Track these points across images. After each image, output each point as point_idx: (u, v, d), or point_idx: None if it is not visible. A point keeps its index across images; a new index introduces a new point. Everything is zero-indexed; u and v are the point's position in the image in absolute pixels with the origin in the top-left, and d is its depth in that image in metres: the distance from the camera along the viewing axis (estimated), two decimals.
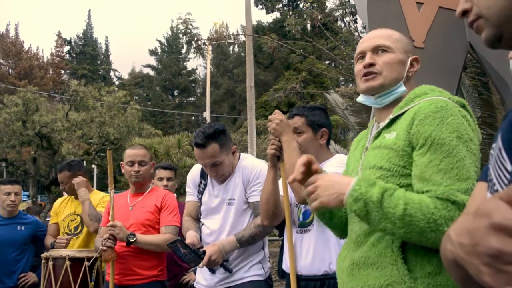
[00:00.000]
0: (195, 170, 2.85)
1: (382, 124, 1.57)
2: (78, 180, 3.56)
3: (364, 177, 1.44)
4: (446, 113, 1.40)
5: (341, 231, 1.72)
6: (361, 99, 1.68)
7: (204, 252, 2.42)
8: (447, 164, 1.35)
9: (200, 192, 2.78)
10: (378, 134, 1.57)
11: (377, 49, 1.61)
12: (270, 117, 2.21)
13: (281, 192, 2.31)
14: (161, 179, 3.95)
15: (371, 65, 1.59)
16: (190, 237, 2.54)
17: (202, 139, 2.50)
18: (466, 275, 0.63)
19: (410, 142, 1.43)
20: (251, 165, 2.66)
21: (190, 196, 2.84)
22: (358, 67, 1.64)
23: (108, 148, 3.33)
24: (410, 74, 1.62)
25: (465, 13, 0.89)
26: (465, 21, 3.18)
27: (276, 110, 2.23)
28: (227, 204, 2.65)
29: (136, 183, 3.25)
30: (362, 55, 1.65)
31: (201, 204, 2.78)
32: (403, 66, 1.60)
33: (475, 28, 0.88)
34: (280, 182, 2.33)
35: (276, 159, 2.24)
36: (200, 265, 2.44)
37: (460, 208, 1.30)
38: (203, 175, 2.79)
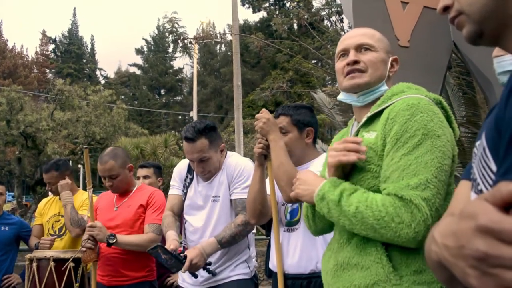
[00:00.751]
0: (183, 165, 2.83)
1: (361, 123, 1.57)
2: (62, 182, 3.50)
3: (332, 179, 1.46)
4: (415, 110, 1.40)
5: (320, 231, 1.74)
6: (342, 97, 1.67)
7: (185, 256, 2.39)
8: (406, 161, 1.35)
9: (186, 187, 2.76)
10: (357, 133, 1.57)
11: (361, 47, 1.60)
12: (257, 116, 2.20)
13: (268, 191, 2.31)
14: (138, 178, 3.98)
15: (356, 62, 1.58)
16: (171, 241, 2.51)
17: (192, 134, 2.52)
18: (451, 276, 0.62)
19: (384, 141, 1.44)
20: (235, 163, 2.66)
21: (175, 190, 2.80)
22: (341, 64, 1.63)
23: (85, 147, 3.25)
24: (390, 74, 1.63)
25: (446, 9, 0.89)
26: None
27: (263, 109, 2.22)
28: (212, 201, 2.64)
29: (115, 193, 3.23)
30: (344, 53, 1.64)
31: (185, 198, 2.75)
32: (385, 66, 1.61)
33: (456, 24, 0.88)
34: (267, 181, 2.32)
35: (263, 158, 2.23)
36: (182, 270, 2.42)
37: (408, 204, 1.30)
38: (190, 170, 2.77)
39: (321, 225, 1.70)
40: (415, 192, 1.31)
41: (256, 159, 2.25)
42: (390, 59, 1.63)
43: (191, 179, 2.74)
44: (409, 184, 1.32)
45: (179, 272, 2.59)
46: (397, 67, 1.65)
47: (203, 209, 2.66)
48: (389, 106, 1.49)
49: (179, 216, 2.78)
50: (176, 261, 2.38)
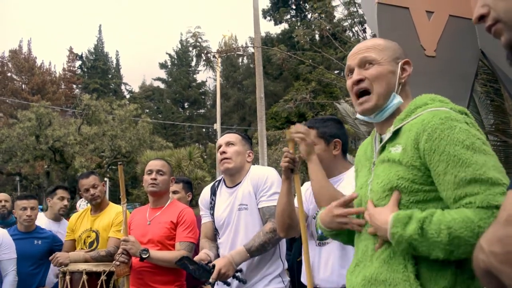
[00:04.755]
0: (205, 191, 2.94)
1: (385, 137, 1.55)
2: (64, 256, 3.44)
3: (397, 217, 1.38)
4: (452, 123, 1.38)
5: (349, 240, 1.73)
6: (360, 116, 1.67)
7: (213, 266, 2.41)
8: (473, 173, 1.31)
9: (212, 208, 2.81)
10: (383, 147, 1.55)
11: (364, 63, 1.59)
12: (299, 136, 2.12)
13: (296, 204, 2.30)
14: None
15: (360, 81, 1.58)
16: (201, 253, 2.58)
17: (230, 131, 2.95)
18: (500, 284, 0.62)
19: (421, 158, 1.41)
20: (259, 172, 2.74)
21: (204, 218, 2.90)
22: (349, 82, 1.62)
23: (119, 162, 3.33)
24: (403, 81, 1.59)
25: (481, 18, 0.88)
26: (476, 28, 3.15)
27: (305, 128, 2.16)
28: (238, 210, 2.66)
29: (152, 193, 3.23)
30: (351, 70, 1.63)
31: (213, 220, 2.79)
32: (393, 76, 1.57)
33: (493, 33, 0.87)
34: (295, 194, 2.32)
35: (290, 172, 2.23)
36: (211, 279, 2.43)
37: None
38: (213, 192, 2.84)
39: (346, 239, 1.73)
40: (498, 197, 1.27)
41: (283, 173, 2.25)
42: (400, 64, 1.59)
43: (215, 199, 2.81)
44: (497, 192, 1.28)
45: (212, 282, 2.61)
46: (410, 69, 1.61)
47: (231, 220, 2.68)
48: (414, 119, 1.47)
49: (215, 240, 2.84)
50: (204, 271, 2.40)
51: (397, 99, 1.56)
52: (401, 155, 1.44)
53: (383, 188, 1.47)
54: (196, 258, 2.47)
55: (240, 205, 2.66)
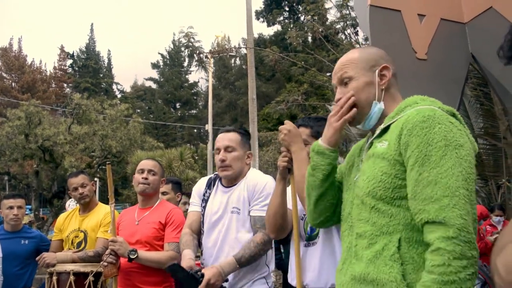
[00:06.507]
0: (202, 181, 2.87)
1: (375, 134, 1.60)
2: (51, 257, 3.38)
3: None
4: (432, 122, 1.40)
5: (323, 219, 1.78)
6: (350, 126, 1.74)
7: (203, 275, 2.36)
8: (436, 175, 1.34)
9: (205, 201, 2.75)
10: (371, 144, 1.59)
11: (342, 81, 1.66)
12: (280, 127, 2.20)
13: (290, 205, 2.29)
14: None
15: (339, 100, 1.64)
16: (186, 260, 2.50)
17: (230, 128, 2.81)
18: None
19: (400, 153, 1.44)
20: (257, 179, 2.66)
21: (194, 207, 2.81)
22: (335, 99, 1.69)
23: (108, 162, 3.29)
24: (383, 87, 1.62)
25: None
26: (467, 32, 3.16)
27: (286, 121, 2.21)
28: (231, 212, 2.62)
29: (142, 193, 3.21)
30: (335, 88, 1.71)
31: (204, 213, 2.74)
32: (370, 87, 1.61)
33: None
34: (289, 194, 2.31)
35: (287, 172, 2.22)
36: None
37: (461, 231, 1.29)
38: (209, 185, 2.78)
39: (324, 216, 1.77)
40: (461, 220, 1.30)
41: (279, 172, 2.23)
42: (377, 72, 1.62)
43: (210, 194, 2.75)
44: (444, 204, 1.31)
45: None
46: (389, 74, 1.63)
47: (221, 220, 2.64)
48: (401, 117, 1.50)
49: (198, 233, 2.77)
50: (193, 280, 2.35)
51: (377, 106, 1.60)
52: (386, 150, 1.48)
53: (367, 184, 1.49)
54: (186, 266, 2.41)
55: (233, 208, 2.63)
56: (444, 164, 1.34)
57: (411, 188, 1.39)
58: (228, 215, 2.63)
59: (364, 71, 1.61)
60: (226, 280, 2.45)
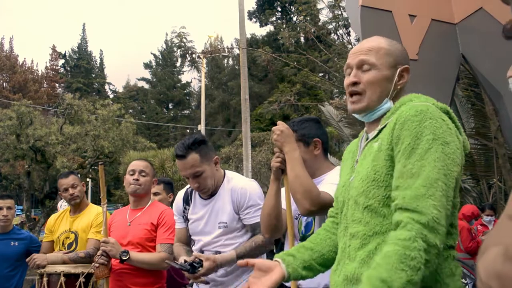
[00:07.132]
0: (178, 197, 2.83)
1: (371, 135, 1.59)
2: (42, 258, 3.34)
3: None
4: (424, 117, 1.40)
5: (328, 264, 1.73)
6: (352, 112, 1.70)
7: (201, 262, 2.38)
8: (419, 168, 1.35)
9: (185, 217, 2.75)
10: (366, 145, 1.59)
11: (362, 65, 1.60)
12: (273, 128, 2.20)
13: (284, 205, 2.29)
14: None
15: (355, 83, 1.59)
16: (181, 258, 2.52)
17: (182, 150, 2.51)
18: None
19: (393, 147, 1.44)
20: (240, 188, 2.61)
21: (178, 224, 2.83)
22: (346, 81, 1.64)
23: (100, 162, 3.27)
24: (399, 87, 1.60)
25: None
26: (458, 32, 3.17)
27: (279, 121, 2.21)
28: (218, 228, 2.61)
29: (134, 194, 3.19)
30: (350, 68, 1.64)
31: (188, 223, 2.74)
32: (388, 82, 1.58)
33: None
34: (283, 194, 2.31)
35: (280, 172, 2.22)
36: (195, 276, 2.38)
37: (433, 227, 1.29)
38: (186, 200, 2.76)
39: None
40: (428, 203, 1.30)
41: (273, 173, 2.24)
42: (398, 70, 1.59)
43: (189, 209, 2.74)
44: (420, 194, 1.31)
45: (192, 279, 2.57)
46: (407, 77, 1.62)
47: (210, 235, 2.63)
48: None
49: (189, 245, 2.80)
50: (191, 268, 2.37)
51: (388, 104, 1.58)
52: (380, 147, 1.48)
53: (361, 184, 1.50)
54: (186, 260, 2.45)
55: (219, 224, 2.61)
56: (428, 157, 1.35)
57: (395, 180, 1.40)
58: (216, 230, 2.62)
59: (388, 65, 1.58)
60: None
